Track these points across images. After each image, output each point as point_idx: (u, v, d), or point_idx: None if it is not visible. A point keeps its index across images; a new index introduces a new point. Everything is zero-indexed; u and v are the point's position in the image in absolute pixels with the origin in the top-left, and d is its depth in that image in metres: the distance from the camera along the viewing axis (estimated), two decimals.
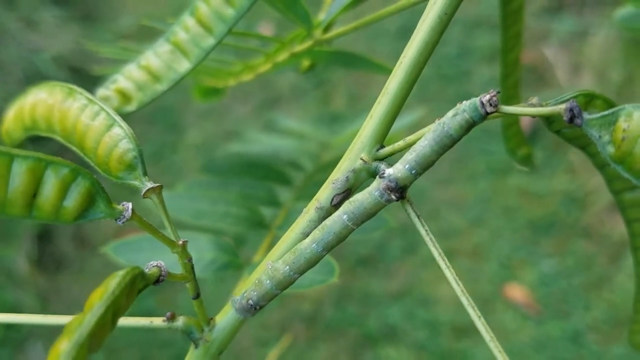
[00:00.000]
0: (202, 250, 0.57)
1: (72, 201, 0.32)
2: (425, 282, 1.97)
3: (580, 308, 1.91)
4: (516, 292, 1.95)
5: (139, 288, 0.31)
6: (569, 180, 2.14)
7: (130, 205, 0.33)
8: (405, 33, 2.43)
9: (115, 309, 0.28)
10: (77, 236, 1.97)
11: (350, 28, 0.47)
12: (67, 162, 0.32)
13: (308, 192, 0.68)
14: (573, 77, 2.27)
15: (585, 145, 0.38)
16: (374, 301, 1.96)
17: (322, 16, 0.53)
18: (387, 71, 0.49)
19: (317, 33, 0.50)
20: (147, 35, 0.54)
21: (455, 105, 0.32)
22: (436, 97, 2.31)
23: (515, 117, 0.56)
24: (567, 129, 0.36)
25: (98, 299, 0.28)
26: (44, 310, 1.88)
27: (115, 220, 0.33)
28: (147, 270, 0.32)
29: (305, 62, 0.58)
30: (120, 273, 0.29)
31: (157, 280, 0.32)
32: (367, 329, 1.90)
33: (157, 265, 0.32)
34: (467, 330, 1.87)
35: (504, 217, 2.10)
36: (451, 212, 2.10)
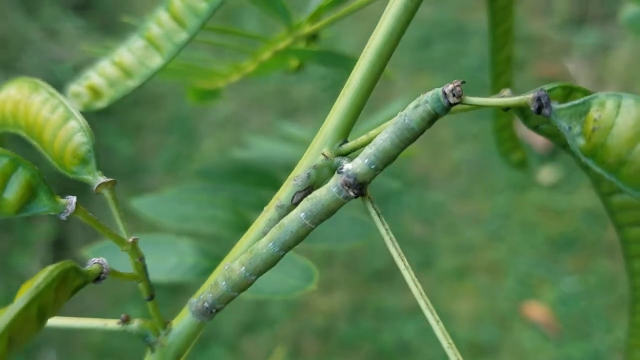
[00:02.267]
0: (184, 255, 0.55)
1: (12, 193, 0.31)
2: (441, 297, 1.93)
3: (602, 329, 1.85)
4: (535, 310, 1.90)
5: (76, 285, 0.29)
6: (591, 196, 2.08)
7: (74, 199, 0.31)
8: (426, 44, 2.42)
9: (41, 304, 0.26)
10: (91, 243, 1.97)
11: (327, 22, 0.45)
12: (6, 151, 0.30)
13: None
14: (596, 90, 2.22)
15: (566, 143, 0.35)
16: (389, 316, 1.92)
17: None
18: None
19: (298, 30, 0.48)
20: None
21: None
22: (455, 109, 2.28)
23: (507, 120, 0.54)
24: (545, 125, 0.34)
25: (22, 293, 0.26)
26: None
27: (59, 214, 0.31)
28: (87, 266, 0.30)
29: (293, 63, 0.57)
30: (50, 267, 0.27)
31: (98, 278, 0.30)
32: (381, 345, 1.86)
33: (98, 262, 0.30)
34: (484, 347, 1.82)
35: (523, 233, 2.05)
36: (469, 227, 2.07)
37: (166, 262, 0.56)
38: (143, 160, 2.22)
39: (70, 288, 0.29)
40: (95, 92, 0.45)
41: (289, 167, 0.76)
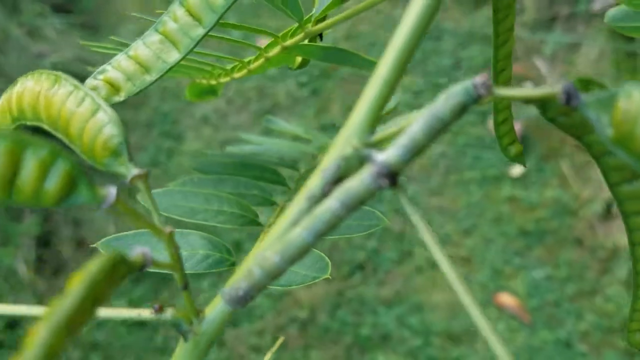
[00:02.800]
0: (195, 247, 0.56)
1: (53, 184, 0.31)
2: (419, 288, 1.96)
3: (572, 317, 1.91)
4: (508, 300, 1.94)
5: (122, 274, 0.30)
6: (561, 189, 2.14)
7: (114, 190, 0.32)
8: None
9: (95, 295, 0.27)
10: (75, 239, 1.95)
11: (339, 18, 0.46)
12: (46, 142, 0.31)
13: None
14: None
15: (581, 134, 0.37)
16: (368, 308, 1.94)
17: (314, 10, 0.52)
18: None
19: (309, 25, 0.49)
20: None
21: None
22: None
23: (507, 115, 0.55)
24: (563, 117, 0.35)
25: (77, 284, 0.27)
26: None
27: (99, 205, 0.32)
28: (131, 256, 0.31)
29: (297, 59, 0.58)
30: (102, 258, 0.28)
31: (142, 268, 0.31)
32: (361, 336, 1.88)
33: (141, 252, 0.31)
34: (461, 337, 1.85)
35: (496, 226, 2.09)
36: (443, 220, 2.10)
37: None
38: None
39: (118, 277, 0.29)
40: (113, 86, 0.45)
41: (287, 161, 0.77)
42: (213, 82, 0.60)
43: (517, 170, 2.14)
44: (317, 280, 0.48)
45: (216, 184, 0.64)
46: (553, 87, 0.30)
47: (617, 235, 1.99)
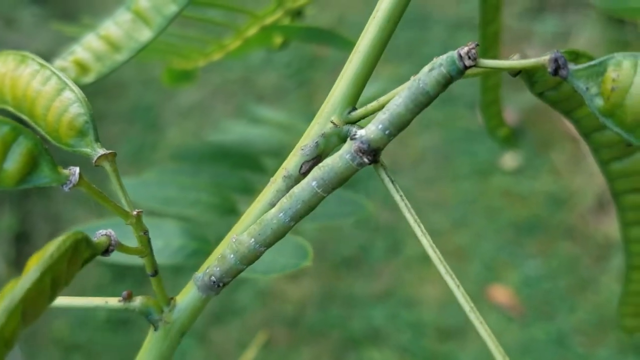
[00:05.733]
0: (170, 237, 0.54)
1: (13, 163, 0.29)
2: (409, 283, 1.95)
3: (565, 310, 1.90)
4: (500, 293, 1.93)
5: (85, 257, 0.28)
6: (553, 181, 2.13)
7: (77, 169, 0.30)
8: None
9: (54, 276, 0.25)
10: (54, 236, 1.93)
11: None
12: (7, 119, 0.29)
13: None
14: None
15: (570, 109, 0.36)
16: (358, 303, 1.93)
17: None
18: None
19: (288, 3, 0.47)
20: None
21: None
22: (468, 73, 2.31)
23: (495, 96, 0.54)
24: (552, 91, 0.34)
25: (34, 263, 0.25)
26: None
27: (62, 186, 0.30)
28: (95, 239, 0.29)
29: (277, 40, 0.56)
30: (61, 237, 0.26)
31: (106, 251, 0.29)
32: (350, 331, 1.87)
33: (106, 234, 0.29)
34: (452, 332, 1.84)
35: (487, 218, 2.08)
36: (434, 213, 2.09)
37: (152, 245, 0.55)
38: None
39: (80, 260, 0.27)
40: (82, 67, 0.43)
41: (268, 149, 0.76)
42: (189, 65, 0.58)
43: (509, 162, 2.13)
44: (297, 268, 0.46)
45: (194, 173, 0.63)
46: (541, 57, 0.29)
47: (610, 227, 1.99)
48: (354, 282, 1.97)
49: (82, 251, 0.27)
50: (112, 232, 0.29)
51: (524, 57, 0.31)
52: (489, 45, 0.51)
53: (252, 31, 0.51)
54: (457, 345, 1.83)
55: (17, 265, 1.85)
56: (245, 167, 0.68)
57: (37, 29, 2.08)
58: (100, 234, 0.29)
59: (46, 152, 0.30)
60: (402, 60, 2.38)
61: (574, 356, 1.82)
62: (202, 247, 0.54)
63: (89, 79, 0.43)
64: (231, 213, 0.60)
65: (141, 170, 2.16)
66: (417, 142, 2.18)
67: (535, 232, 2.05)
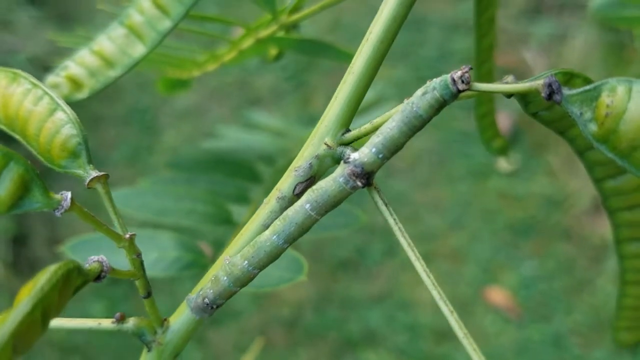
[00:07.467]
0: (165, 249, 0.54)
1: (5, 189, 0.29)
2: (405, 285, 1.95)
3: (562, 311, 1.90)
4: (496, 295, 1.93)
5: (77, 285, 0.28)
6: (549, 182, 2.13)
7: (69, 194, 0.30)
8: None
9: (45, 307, 0.25)
10: (51, 239, 1.92)
11: (314, 9, 0.44)
12: None
13: None
14: None
15: (564, 129, 0.36)
16: (354, 305, 1.93)
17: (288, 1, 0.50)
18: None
19: (283, 17, 0.47)
20: None
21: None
22: (461, 95, 2.30)
23: (489, 107, 0.54)
24: (545, 111, 0.34)
25: (25, 296, 0.25)
26: None
27: (53, 211, 0.30)
28: (87, 265, 0.29)
29: (272, 51, 0.56)
30: (52, 268, 0.26)
31: (99, 277, 0.29)
32: (347, 333, 1.87)
33: (98, 261, 0.29)
34: (448, 334, 1.85)
35: (484, 220, 2.08)
36: (430, 215, 2.09)
37: (146, 257, 0.54)
38: (102, 153, 2.17)
39: (72, 288, 0.27)
40: (75, 83, 0.43)
41: (264, 156, 0.75)
42: (184, 75, 0.58)
43: (504, 164, 2.13)
44: (292, 282, 0.46)
45: (189, 182, 0.62)
46: (535, 81, 0.29)
47: (605, 229, 1.99)
48: (351, 284, 1.97)
49: (74, 280, 0.27)
50: (104, 258, 0.29)
51: (517, 80, 0.30)
52: (485, 58, 0.51)
53: (247, 43, 0.51)
54: (452, 347, 1.83)
55: (15, 267, 1.85)
56: (241, 175, 0.68)
57: (34, 31, 2.07)
58: (92, 260, 0.29)
59: (37, 177, 0.30)
60: (398, 62, 2.38)
61: (570, 357, 1.82)
62: (197, 259, 0.54)
63: (82, 95, 0.43)
64: (226, 222, 0.60)
65: (137, 173, 2.16)
66: (412, 144, 2.18)
67: (532, 233, 2.05)
